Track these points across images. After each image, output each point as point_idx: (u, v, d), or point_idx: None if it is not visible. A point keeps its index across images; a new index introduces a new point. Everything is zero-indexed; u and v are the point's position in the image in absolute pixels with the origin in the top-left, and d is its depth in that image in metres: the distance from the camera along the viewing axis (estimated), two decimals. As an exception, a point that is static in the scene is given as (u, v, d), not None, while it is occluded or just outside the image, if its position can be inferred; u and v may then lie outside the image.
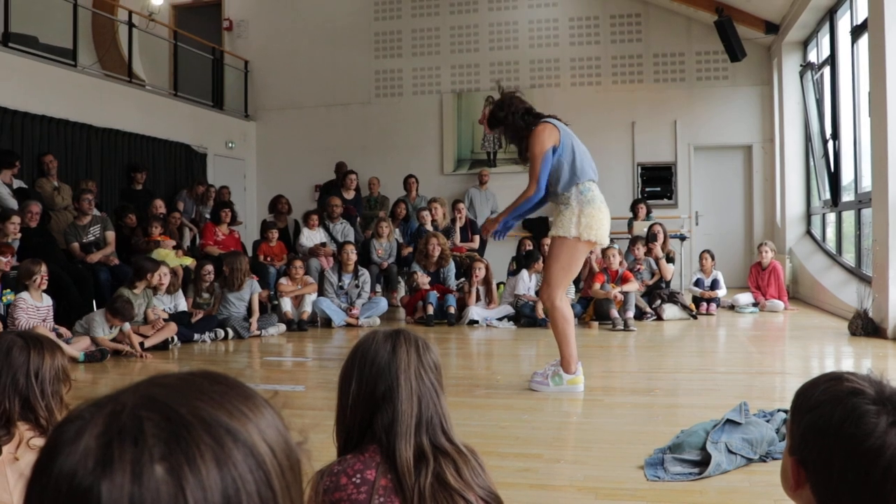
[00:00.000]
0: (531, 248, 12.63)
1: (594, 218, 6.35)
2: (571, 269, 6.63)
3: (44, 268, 8.44)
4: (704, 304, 12.24)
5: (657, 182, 16.62)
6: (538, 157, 6.37)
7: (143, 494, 0.74)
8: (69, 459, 0.76)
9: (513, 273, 12.53)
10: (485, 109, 16.95)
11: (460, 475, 2.19)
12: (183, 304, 10.33)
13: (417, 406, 2.24)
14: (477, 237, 14.02)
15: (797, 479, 1.52)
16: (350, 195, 14.93)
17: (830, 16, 12.81)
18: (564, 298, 6.58)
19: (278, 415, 0.89)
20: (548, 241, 11.63)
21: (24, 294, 8.31)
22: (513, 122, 6.58)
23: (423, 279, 11.90)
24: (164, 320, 9.57)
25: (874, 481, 1.39)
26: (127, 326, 8.89)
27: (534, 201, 6.55)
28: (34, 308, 8.34)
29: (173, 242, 11.91)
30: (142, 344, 8.87)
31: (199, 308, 10.58)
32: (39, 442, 2.74)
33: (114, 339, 8.80)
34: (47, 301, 8.61)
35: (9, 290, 8.71)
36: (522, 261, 12.58)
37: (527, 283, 11.78)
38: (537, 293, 11.28)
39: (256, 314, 10.74)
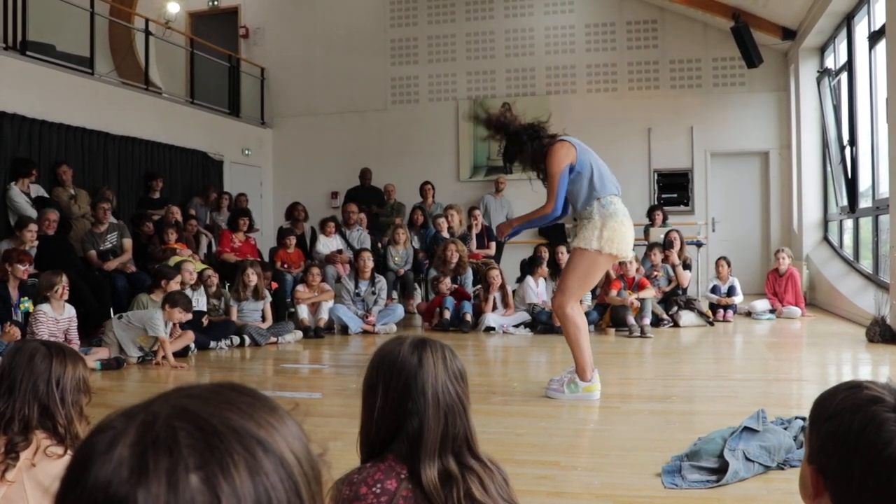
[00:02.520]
0: (539, 254, 12.62)
1: (616, 231, 6.36)
2: (588, 281, 6.66)
3: (64, 278, 8.43)
4: (721, 310, 12.21)
5: (674, 188, 16.58)
6: (556, 176, 6.37)
7: None
8: (103, 469, 0.77)
9: (519, 281, 12.52)
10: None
11: (486, 491, 2.18)
12: (203, 303, 10.35)
13: (444, 422, 2.21)
14: (493, 244, 14.02)
15: (816, 487, 1.52)
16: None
17: (848, 21, 12.77)
18: (576, 307, 6.59)
19: (300, 426, 0.90)
20: (562, 248, 11.72)
21: (45, 306, 8.31)
22: (527, 148, 6.59)
23: (447, 284, 11.89)
24: (182, 328, 9.61)
25: (894, 489, 1.39)
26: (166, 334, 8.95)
27: (548, 219, 6.60)
28: (54, 321, 8.34)
29: (190, 251, 11.91)
30: (156, 353, 8.90)
31: (210, 314, 10.58)
32: (56, 450, 2.76)
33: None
34: (69, 312, 8.59)
35: (26, 298, 8.73)
36: (526, 267, 12.60)
37: (534, 289, 11.82)
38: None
39: (269, 321, 10.79)
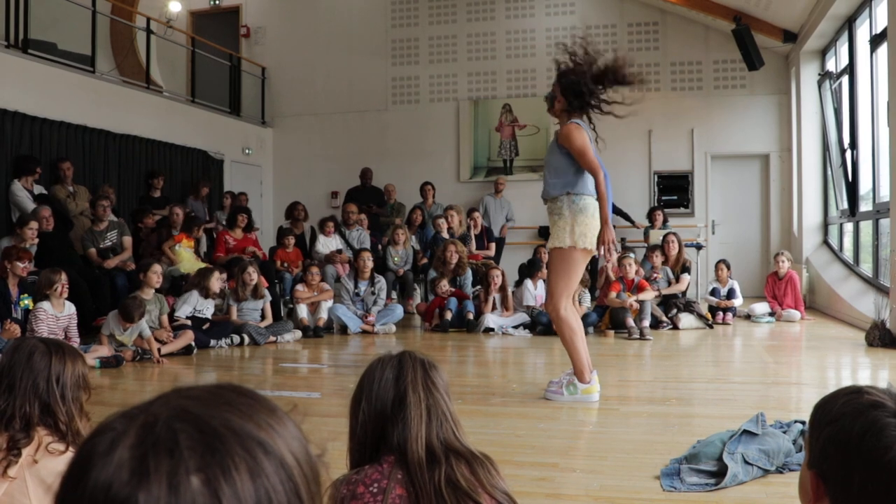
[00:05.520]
0: (540, 255, 12.63)
1: (588, 226, 6.34)
2: (572, 279, 6.60)
3: (64, 276, 8.44)
4: (720, 313, 12.19)
5: (674, 190, 16.57)
6: (587, 151, 6.31)
7: None
8: (104, 471, 0.77)
9: (517, 284, 12.52)
10: (501, 117, 17.03)
11: (474, 475, 2.21)
12: (210, 312, 10.31)
13: (427, 414, 2.28)
14: (493, 245, 14.03)
15: (816, 492, 1.51)
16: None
17: (849, 25, 12.76)
18: (569, 308, 6.55)
19: (299, 427, 0.90)
20: (544, 250, 11.72)
21: (45, 304, 8.32)
22: (575, 85, 6.50)
23: (446, 286, 11.87)
24: (181, 327, 9.63)
25: (895, 495, 1.38)
26: (147, 333, 8.92)
27: (608, 183, 6.41)
28: (54, 318, 8.35)
29: (191, 243, 11.82)
30: (159, 350, 8.92)
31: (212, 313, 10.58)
32: (58, 447, 2.76)
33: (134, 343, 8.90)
34: (69, 310, 8.60)
35: (26, 296, 8.74)
36: (525, 270, 12.59)
37: (532, 291, 11.83)
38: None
39: (269, 320, 10.78)
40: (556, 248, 6.45)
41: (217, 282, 10.22)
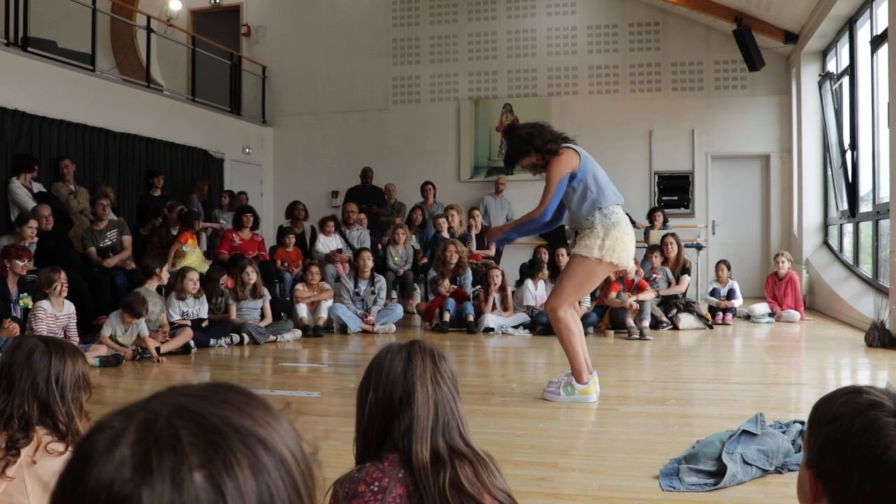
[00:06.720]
0: (539, 257, 12.64)
1: (618, 240, 6.31)
2: (585, 288, 6.64)
3: (63, 275, 8.44)
4: (720, 313, 12.18)
5: (674, 191, 16.57)
6: (553, 183, 6.34)
7: (183, 502, 0.75)
8: (105, 469, 0.77)
9: (518, 284, 12.51)
10: (502, 117, 16.99)
11: (477, 477, 2.20)
12: (205, 311, 10.32)
13: (434, 410, 2.26)
14: (493, 244, 14.03)
15: (815, 492, 1.51)
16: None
17: (850, 25, 12.75)
18: (568, 310, 6.53)
19: (292, 425, 0.90)
20: (562, 250, 11.72)
21: (44, 303, 8.31)
22: (537, 141, 6.52)
23: (447, 285, 11.86)
24: (181, 326, 9.64)
25: (893, 494, 1.38)
26: (145, 331, 8.92)
27: (538, 223, 6.55)
28: (53, 317, 8.34)
29: (195, 243, 11.83)
30: (158, 349, 8.92)
31: (212, 313, 10.56)
32: (57, 447, 2.75)
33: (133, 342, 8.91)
34: (69, 309, 8.60)
35: (26, 295, 8.73)
36: (526, 270, 12.58)
37: (532, 292, 11.82)
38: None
39: (269, 319, 10.77)
40: (581, 255, 6.41)
41: (191, 282, 10.12)
